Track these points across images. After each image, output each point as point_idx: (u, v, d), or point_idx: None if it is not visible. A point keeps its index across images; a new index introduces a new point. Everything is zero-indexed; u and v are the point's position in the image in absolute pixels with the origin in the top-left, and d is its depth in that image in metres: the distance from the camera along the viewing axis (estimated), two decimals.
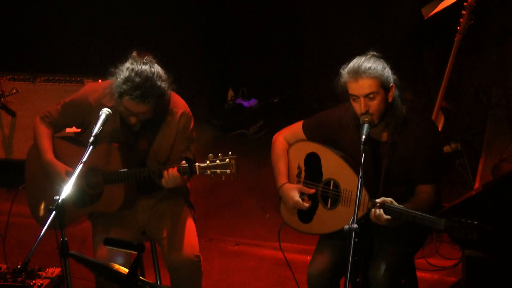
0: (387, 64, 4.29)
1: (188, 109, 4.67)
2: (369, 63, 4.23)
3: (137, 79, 4.36)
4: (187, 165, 4.43)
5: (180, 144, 4.63)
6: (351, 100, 4.29)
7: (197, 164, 4.43)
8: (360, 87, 4.23)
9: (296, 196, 4.48)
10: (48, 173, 4.60)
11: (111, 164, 4.55)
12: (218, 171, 4.39)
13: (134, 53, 4.48)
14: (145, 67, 4.41)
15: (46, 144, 4.65)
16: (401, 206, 4.18)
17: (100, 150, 4.54)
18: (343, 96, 4.33)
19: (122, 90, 4.38)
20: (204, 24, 7.57)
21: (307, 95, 7.51)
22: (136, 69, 4.39)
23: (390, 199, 4.18)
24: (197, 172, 4.43)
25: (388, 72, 4.28)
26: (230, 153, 4.42)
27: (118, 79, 4.41)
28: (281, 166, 4.59)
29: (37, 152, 4.68)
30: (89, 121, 4.54)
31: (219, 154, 4.41)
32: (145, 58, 4.45)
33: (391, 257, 4.35)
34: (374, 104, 4.25)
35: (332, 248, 4.46)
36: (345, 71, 4.28)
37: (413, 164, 4.34)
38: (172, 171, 4.45)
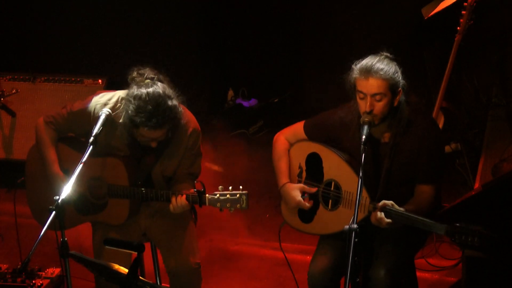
0: (399, 68, 4.29)
1: (198, 125, 4.61)
2: (383, 65, 4.23)
3: (149, 107, 4.27)
4: (196, 195, 4.41)
5: (187, 159, 4.60)
6: (357, 97, 4.29)
7: (207, 195, 4.40)
8: (370, 86, 4.22)
9: (298, 196, 4.48)
10: (53, 186, 4.55)
11: (116, 178, 4.52)
12: (227, 204, 4.39)
13: (135, 74, 4.39)
14: (152, 90, 4.29)
15: (52, 155, 4.59)
16: (402, 209, 4.18)
17: (106, 162, 4.53)
18: (350, 92, 4.32)
19: (137, 122, 4.30)
20: (204, 24, 7.57)
21: (307, 95, 7.51)
22: (144, 96, 4.28)
23: (391, 202, 4.18)
24: (207, 204, 4.42)
25: (399, 77, 4.27)
26: (241, 187, 4.41)
27: (129, 111, 4.30)
28: (282, 166, 4.58)
29: (40, 157, 4.64)
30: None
31: (230, 188, 4.40)
32: (147, 75, 4.37)
33: (391, 258, 4.35)
34: (379, 106, 4.24)
35: (332, 248, 4.46)
36: (357, 67, 4.27)
37: (415, 164, 4.34)
38: (181, 199, 4.42)
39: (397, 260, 4.37)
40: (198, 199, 4.40)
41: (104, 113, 4.37)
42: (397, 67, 4.28)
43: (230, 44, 7.70)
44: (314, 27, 7.33)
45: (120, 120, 4.43)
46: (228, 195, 4.39)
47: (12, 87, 6.43)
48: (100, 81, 6.45)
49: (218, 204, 4.39)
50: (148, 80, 4.36)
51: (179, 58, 7.19)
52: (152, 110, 4.27)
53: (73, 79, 6.50)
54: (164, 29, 7.34)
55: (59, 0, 7.31)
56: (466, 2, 5.76)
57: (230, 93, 7.76)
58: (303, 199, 4.48)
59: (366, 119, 4.22)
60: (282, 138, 4.64)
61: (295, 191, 4.50)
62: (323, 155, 4.50)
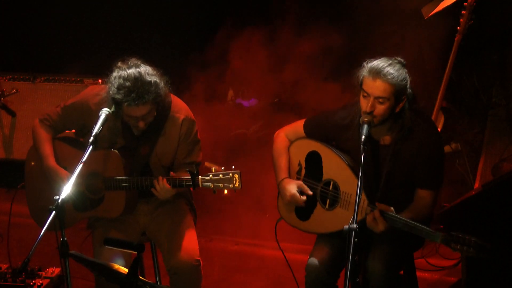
0: (409, 77, 4.28)
1: (190, 114, 4.65)
2: (393, 70, 4.22)
3: (127, 84, 4.35)
4: (176, 177, 4.44)
5: (184, 149, 4.62)
6: (361, 95, 4.29)
7: (200, 177, 4.42)
8: (375, 88, 4.22)
9: (293, 189, 4.48)
10: (50, 179, 4.58)
11: (113, 170, 4.54)
12: (221, 185, 4.40)
13: (119, 63, 4.47)
14: (131, 70, 4.39)
15: (47, 149, 4.63)
16: (398, 216, 4.19)
17: (101, 155, 4.54)
18: (355, 87, 4.33)
19: (118, 99, 4.37)
20: (204, 24, 7.57)
21: (307, 95, 7.50)
22: (123, 74, 4.38)
23: (392, 208, 4.18)
24: (200, 185, 4.43)
25: (406, 85, 4.27)
26: (233, 167, 4.42)
27: (111, 92, 4.40)
28: (282, 162, 4.59)
29: (37, 156, 4.67)
30: (90, 125, 4.47)
31: (222, 168, 4.41)
32: (130, 62, 4.44)
33: (388, 248, 4.35)
34: (381, 109, 4.24)
35: (330, 243, 4.47)
36: (368, 65, 4.27)
37: (414, 168, 4.34)
38: (162, 182, 4.44)
39: (394, 250, 4.37)
40: (178, 182, 4.42)
41: (104, 113, 4.38)
42: (407, 74, 4.28)
43: (229, 43, 7.70)
44: (314, 27, 7.33)
45: (112, 109, 4.45)
46: (220, 175, 4.40)
47: (12, 87, 6.44)
48: (100, 81, 6.45)
49: (211, 185, 4.40)
50: (132, 64, 4.44)
51: (180, 58, 7.19)
52: (130, 86, 4.35)
53: (73, 79, 6.51)
54: (163, 29, 7.34)
55: (59, 0, 7.31)
56: (466, 1, 5.76)
57: (230, 93, 7.76)
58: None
59: (366, 119, 4.23)
60: (282, 135, 4.65)
61: (292, 185, 4.50)
62: (323, 154, 4.51)
